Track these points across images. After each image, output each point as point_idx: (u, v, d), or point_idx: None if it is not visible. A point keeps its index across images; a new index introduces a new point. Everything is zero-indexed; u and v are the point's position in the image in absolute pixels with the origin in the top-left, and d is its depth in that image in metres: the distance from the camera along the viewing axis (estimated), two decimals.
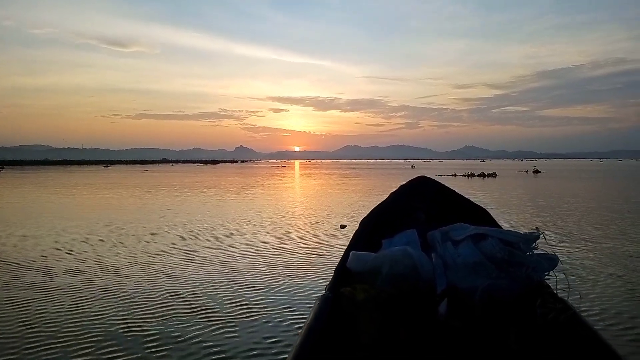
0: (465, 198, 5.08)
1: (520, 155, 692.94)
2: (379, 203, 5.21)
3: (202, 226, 16.96)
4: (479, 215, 4.64)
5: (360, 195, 30.52)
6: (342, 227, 16.26)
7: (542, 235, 3.61)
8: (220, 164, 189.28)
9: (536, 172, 76.39)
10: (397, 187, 5.50)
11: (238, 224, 17.58)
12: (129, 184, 46.36)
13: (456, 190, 5.23)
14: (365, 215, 5.03)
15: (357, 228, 4.92)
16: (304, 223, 17.60)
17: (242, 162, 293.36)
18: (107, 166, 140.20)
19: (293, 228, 16.29)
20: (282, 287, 8.53)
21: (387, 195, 5.34)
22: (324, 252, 11.89)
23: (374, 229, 4.69)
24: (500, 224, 4.66)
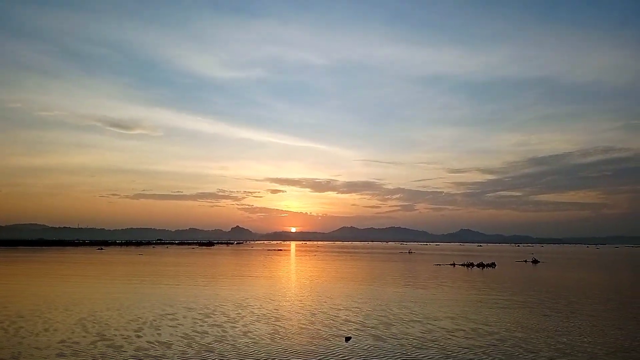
0: None
1: (517, 240, 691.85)
2: None
3: None
4: None
5: (362, 290, 30.12)
6: (348, 339, 15.03)
7: None
8: (215, 246, 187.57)
9: (535, 262, 75.95)
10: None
11: (227, 341, 17.19)
12: (110, 289, 45.50)
13: None
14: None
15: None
16: (302, 334, 17.26)
17: (238, 243, 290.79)
18: (102, 249, 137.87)
19: (291, 343, 15.89)
20: None
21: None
22: None
23: None
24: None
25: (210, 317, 19.27)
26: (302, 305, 23.25)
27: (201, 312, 20.55)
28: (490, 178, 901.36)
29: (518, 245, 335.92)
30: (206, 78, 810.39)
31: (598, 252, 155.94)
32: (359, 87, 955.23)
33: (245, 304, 23.12)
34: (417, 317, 19.64)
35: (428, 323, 18.30)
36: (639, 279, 44.46)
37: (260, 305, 22.77)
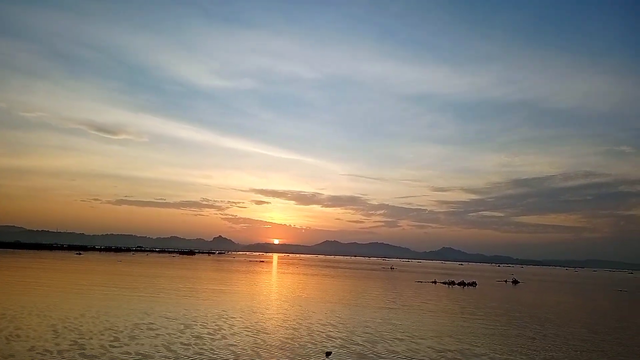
0: None
1: (497, 260, 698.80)
2: None
3: None
4: None
5: (344, 305, 29.91)
6: (328, 354, 15.00)
7: None
8: (197, 255, 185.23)
9: (515, 282, 76.71)
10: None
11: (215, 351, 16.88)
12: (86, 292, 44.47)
13: None
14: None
15: None
16: (283, 348, 17.03)
17: (220, 253, 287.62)
18: (80, 253, 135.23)
19: (271, 357, 15.70)
20: None
21: None
22: None
23: None
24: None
25: (190, 328, 18.89)
26: (284, 319, 22.97)
27: (181, 323, 20.15)
28: (474, 198, 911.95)
29: (499, 265, 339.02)
30: (195, 86, 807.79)
31: (576, 275, 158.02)
32: (347, 102, 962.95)
33: (226, 316, 22.75)
34: (402, 335, 19.53)
35: (413, 342, 18.19)
36: (615, 304, 45.07)
37: (242, 318, 22.43)
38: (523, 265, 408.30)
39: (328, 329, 20.31)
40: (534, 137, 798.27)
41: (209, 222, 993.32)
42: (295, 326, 20.75)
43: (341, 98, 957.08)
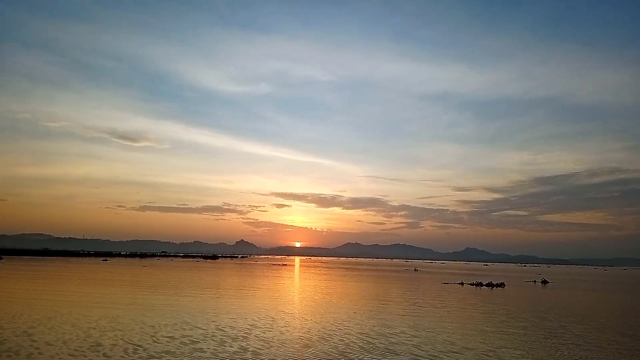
0: None
1: (522, 260, 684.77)
2: None
3: None
4: None
5: (371, 310, 29.53)
6: None
7: None
8: (220, 259, 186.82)
9: (544, 282, 74.83)
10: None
11: None
12: (118, 298, 44.96)
13: None
14: None
15: None
16: (305, 356, 16.78)
17: (242, 257, 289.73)
18: (106, 259, 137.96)
19: None
20: None
21: None
22: None
23: None
24: None
25: (222, 330, 18.80)
26: (306, 325, 22.71)
27: (203, 327, 20.07)
28: (496, 197, 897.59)
29: (524, 265, 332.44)
30: (213, 92, 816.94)
31: (607, 274, 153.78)
32: (364, 103, 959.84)
33: (253, 322, 22.60)
34: (452, 347, 19.04)
35: (458, 352, 17.71)
36: None
37: (268, 325, 22.24)
38: (549, 265, 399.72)
39: (364, 340, 19.98)
40: (557, 134, 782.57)
41: (230, 226, 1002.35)
42: (321, 334, 20.47)
43: (358, 99, 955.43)
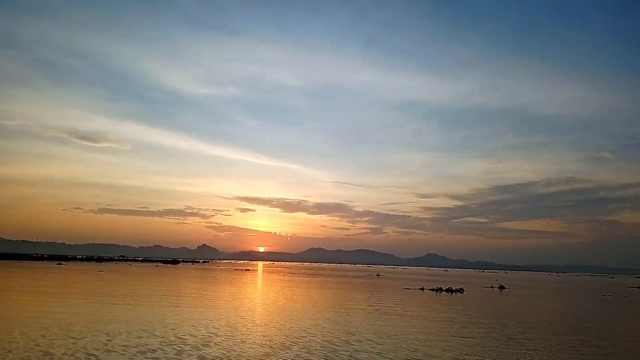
0: None
1: (481, 266, 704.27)
2: None
3: None
4: None
5: (333, 316, 29.43)
6: None
7: None
8: (180, 264, 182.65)
9: (501, 288, 77.00)
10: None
11: None
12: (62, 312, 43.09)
13: None
14: None
15: None
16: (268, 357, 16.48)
17: (204, 261, 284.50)
18: (61, 263, 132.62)
19: None
20: None
21: None
22: None
23: None
24: None
25: (173, 341, 18.21)
26: (268, 333, 22.38)
27: (162, 335, 19.44)
28: (458, 204, 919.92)
29: (482, 271, 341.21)
30: (180, 93, 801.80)
31: (560, 280, 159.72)
32: (333, 110, 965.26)
33: (213, 330, 22.06)
34: (415, 355, 19.08)
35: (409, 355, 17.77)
36: (600, 309, 45.31)
37: (228, 330, 21.77)
38: (507, 271, 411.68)
39: (328, 347, 19.82)
40: (517, 144, 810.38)
41: (193, 231, 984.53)
42: (280, 340, 20.20)
43: (327, 106, 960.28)
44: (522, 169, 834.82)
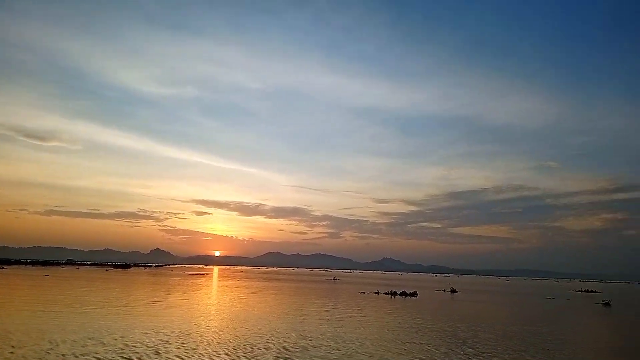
0: None
1: (434, 270, 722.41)
2: None
3: None
4: None
5: (288, 320, 29.19)
6: None
7: None
8: (132, 269, 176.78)
9: (453, 291, 79.33)
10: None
11: None
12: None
13: None
14: None
15: None
16: None
17: (157, 266, 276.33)
18: (3, 267, 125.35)
19: None
20: None
21: None
22: None
23: None
24: None
25: (124, 349, 17.48)
26: (223, 339, 21.93)
27: (110, 344, 18.64)
28: (413, 209, 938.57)
29: (436, 275, 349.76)
30: (135, 93, 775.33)
31: (508, 284, 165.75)
32: (292, 113, 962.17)
33: (165, 337, 21.36)
34: (347, 350, 19.11)
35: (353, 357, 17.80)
36: (545, 312, 47.25)
37: (180, 337, 21.14)
38: (459, 275, 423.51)
39: (284, 353, 19.57)
40: (471, 152, 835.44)
41: (145, 234, 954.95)
42: (235, 344, 19.83)
43: (286, 109, 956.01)
44: (474, 176, 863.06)
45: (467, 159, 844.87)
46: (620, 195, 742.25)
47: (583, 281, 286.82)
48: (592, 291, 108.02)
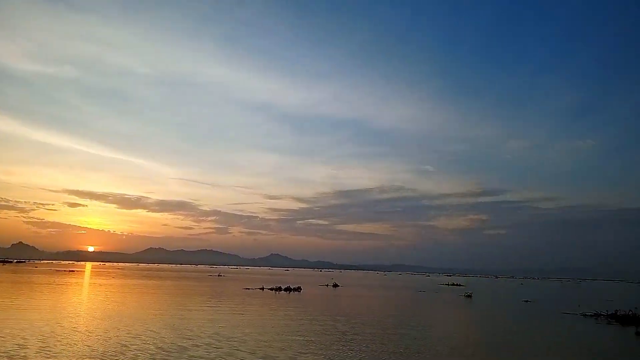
0: None
1: (320, 265, 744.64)
2: None
3: None
4: None
5: (163, 317, 27.95)
6: None
7: None
8: None
9: (335, 285, 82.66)
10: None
11: None
12: None
13: None
14: None
15: None
16: None
17: (19, 261, 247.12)
18: None
19: None
20: None
21: None
22: None
23: None
24: None
25: None
26: (92, 342, 20.34)
27: None
28: (302, 206, 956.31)
29: (321, 270, 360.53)
30: (4, 69, 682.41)
31: (385, 278, 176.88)
32: (183, 103, 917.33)
33: (22, 341, 19.15)
34: (252, 358, 18.84)
35: (231, 352, 17.66)
36: (416, 304, 51.25)
37: (41, 344, 19.14)
38: (342, 270, 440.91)
39: (160, 354, 18.61)
40: (358, 153, 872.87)
41: (6, 226, 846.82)
42: (105, 345, 18.51)
43: (177, 98, 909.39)
44: (360, 176, 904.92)
45: (355, 159, 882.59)
46: (485, 199, 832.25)
47: (450, 275, 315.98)
48: (457, 285, 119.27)
